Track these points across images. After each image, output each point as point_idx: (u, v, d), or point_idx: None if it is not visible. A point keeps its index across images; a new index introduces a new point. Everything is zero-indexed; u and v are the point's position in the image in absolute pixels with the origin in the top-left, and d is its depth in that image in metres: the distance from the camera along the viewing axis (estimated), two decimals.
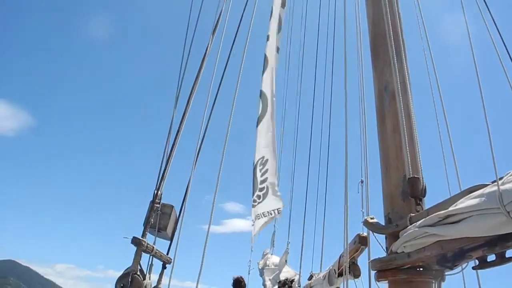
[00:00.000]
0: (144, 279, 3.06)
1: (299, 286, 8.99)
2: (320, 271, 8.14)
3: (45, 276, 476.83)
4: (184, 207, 3.43)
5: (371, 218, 3.78)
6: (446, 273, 3.28)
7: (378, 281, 3.53)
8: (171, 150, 3.45)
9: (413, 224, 3.13)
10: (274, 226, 11.78)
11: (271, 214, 8.58)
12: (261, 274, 11.72)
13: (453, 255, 2.88)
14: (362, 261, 4.94)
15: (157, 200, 3.35)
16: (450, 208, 2.72)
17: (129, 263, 3.34)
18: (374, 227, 3.73)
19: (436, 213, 2.79)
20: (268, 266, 11.67)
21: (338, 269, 5.54)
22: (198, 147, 3.45)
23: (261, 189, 7.39)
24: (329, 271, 6.15)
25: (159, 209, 3.38)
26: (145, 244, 3.12)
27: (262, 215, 8.23)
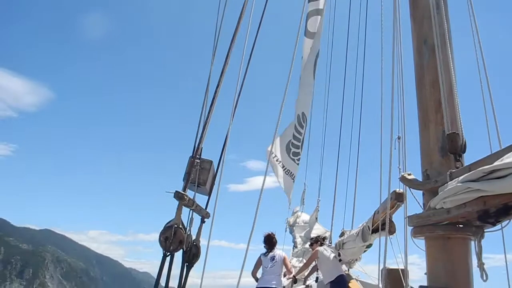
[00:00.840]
0: (185, 232, 3.12)
1: (331, 243, 9.03)
2: (352, 228, 8.25)
3: (80, 243, 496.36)
4: (222, 162, 3.42)
5: (408, 174, 3.70)
6: (486, 230, 3.19)
7: (414, 237, 3.50)
8: (210, 107, 3.42)
9: (454, 180, 3.04)
10: (305, 185, 12.02)
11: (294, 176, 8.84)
12: (291, 231, 11.76)
13: (496, 211, 2.75)
14: (397, 218, 4.89)
15: (197, 156, 3.36)
16: (496, 163, 2.61)
17: (160, 224, 3.38)
18: (411, 183, 3.65)
19: (480, 168, 2.68)
20: (298, 223, 11.70)
21: (372, 226, 5.58)
22: (234, 105, 3.44)
23: (296, 146, 7.69)
24: (363, 228, 6.19)
25: (198, 164, 3.37)
26: (187, 198, 3.15)
27: (292, 176, 8.48)
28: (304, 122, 8.35)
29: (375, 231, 5.58)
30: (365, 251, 7.38)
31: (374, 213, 5.49)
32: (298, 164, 9.01)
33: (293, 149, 8.68)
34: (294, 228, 11.69)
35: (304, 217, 11.76)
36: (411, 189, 3.70)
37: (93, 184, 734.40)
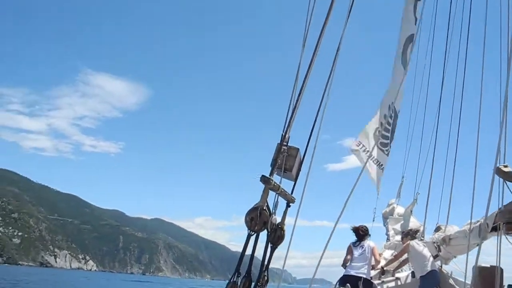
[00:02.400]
0: (270, 215, 3.22)
1: (423, 238, 8.78)
2: (447, 223, 8.27)
3: (188, 229, 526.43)
4: (314, 149, 3.49)
5: (505, 166, 3.63)
6: None
7: (508, 233, 3.51)
8: (298, 95, 3.44)
9: None
10: (403, 177, 11.96)
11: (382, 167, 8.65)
12: (385, 223, 11.73)
13: None
14: None
15: (284, 143, 3.43)
16: None
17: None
18: (507, 176, 3.57)
19: None
20: (393, 216, 11.62)
21: (493, 223, 5.32)
22: (324, 91, 3.42)
23: (387, 137, 7.59)
24: (480, 225, 5.96)
25: (286, 151, 3.44)
26: (272, 183, 3.19)
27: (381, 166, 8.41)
28: (392, 112, 8.24)
29: (494, 229, 5.32)
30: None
31: (498, 212, 5.12)
32: (387, 154, 8.99)
33: (381, 139, 8.65)
34: (388, 220, 11.60)
35: (400, 210, 11.61)
36: (506, 182, 3.63)
37: (195, 174, 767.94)
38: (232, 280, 2.89)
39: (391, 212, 11.76)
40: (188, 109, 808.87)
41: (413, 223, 9.99)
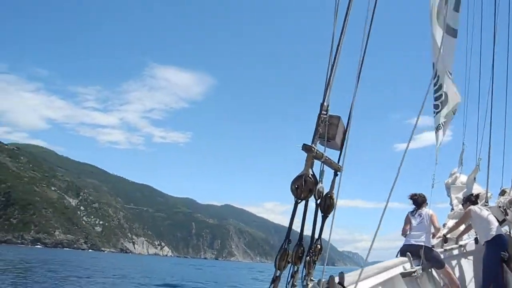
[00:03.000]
0: (317, 184, 3.13)
1: (487, 203, 8.46)
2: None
3: (258, 215, 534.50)
4: (351, 117, 3.33)
5: None
6: None
7: None
8: (333, 62, 3.31)
9: None
10: (463, 144, 11.39)
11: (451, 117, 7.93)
12: (448, 193, 11.52)
13: None
14: None
15: (323, 111, 3.34)
16: None
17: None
18: None
19: None
20: (456, 184, 11.39)
21: None
22: (360, 62, 3.31)
23: (437, 98, 6.88)
24: None
25: (326, 120, 3.34)
26: (315, 150, 3.10)
27: (442, 125, 7.68)
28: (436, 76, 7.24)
29: None
30: None
31: None
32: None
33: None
34: (451, 189, 11.32)
35: (462, 178, 11.16)
36: None
37: (263, 159, 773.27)
38: (283, 247, 2.83)
39: (454, 181, 11.49)
40: (253, 95, 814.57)
41: (477, 190, 9.56)
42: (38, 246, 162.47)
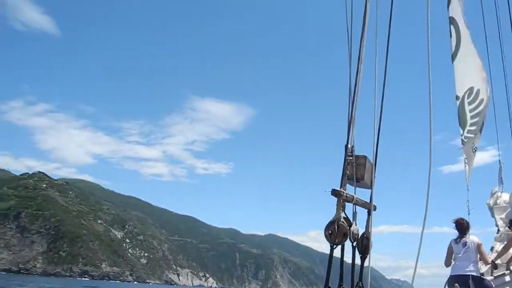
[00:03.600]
0: (350, 226, 3.24)
1: None
2: None
3: (302, 243, 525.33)
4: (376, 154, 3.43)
5: None
6: None
7: None
8: (352, 104, 3.43)
9: None
10: (500, 162, 11.23)
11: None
12: (492, 214, 11.11)
13: None
14: None
15: (349, 153, 3.47)
16: None
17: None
18: None
19: None
20: (498, 204, 10.94)
21: None
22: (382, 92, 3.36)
23: (472, 124, 6.33)
24: None
25: (353, 161, 3.49)
26: (344, 194, 3.23)
27: (473, 150, 7.18)
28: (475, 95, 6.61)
29: None
30: None
31: None
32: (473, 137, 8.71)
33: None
34: (494, 210, 10.90)
35: (505, 197, 10.84)
36: None
37: (306, 187, 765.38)
38: None
39: (496, 201, 11.03)
40: (293, 123, 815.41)
41: None
42: (86, 279, 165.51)
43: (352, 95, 3.44)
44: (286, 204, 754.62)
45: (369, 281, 2.85)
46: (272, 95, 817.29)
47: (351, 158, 3.46)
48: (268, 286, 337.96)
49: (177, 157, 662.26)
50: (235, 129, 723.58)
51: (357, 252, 3.52)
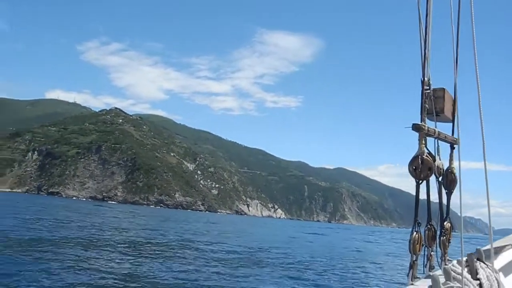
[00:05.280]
0: (434, 161, 3.06)
1: None
2: None
3: (371, 177, 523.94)
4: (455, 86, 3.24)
5: None
6: None
7: None
8: (425, 34, 3.13)
9: None
10: None
11: None
12: None
13: None
14: None
15: (426, 87, 3.20)
16: None
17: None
18: None
19: None
20: None
21: None
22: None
23: None
24: None
25: (431, 94, 3.23)
26: (426, 128, 3.00)
27: None
28: None
29: None
30: None
31: None
32: None
33: None
34: None
35: None
36: None
37: (375, 121, 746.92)
38: (414, 230, 2.80)
39: None
40: (363, 55, 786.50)
41: None
42: (161, 207, 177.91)
43: (425, 24, 3.24)
44: (355, 138, 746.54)
45: (462, 217, 2.59)
46: (342, 25, 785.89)
47: (429, 91, 3.26)
48: (336, 218, 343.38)
49: (246, 91, 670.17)
50: (305, 61, 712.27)
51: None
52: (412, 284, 2.71)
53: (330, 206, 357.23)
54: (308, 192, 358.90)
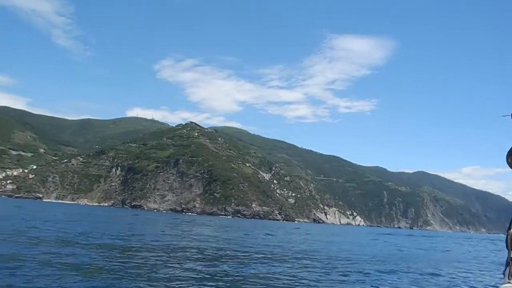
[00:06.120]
0: None
1: None
2: None
3: (454, 181, 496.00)
4: None
5: None
6: None
7: None
8: None
9: None
10: None
11: None
12: None
13: None
14: None
15: None
16: None
17: None
18: None
19: None
20: None
21: None
22: None
23: None
24: None
25: None
26: None
27: None
28: None
29: None
30: None
31: None
32: None
33: None
34: None
35: None
36: None
37: (455, 121, 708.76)
38: (511, 226, 2.50)
39: None
40: (439, 55, 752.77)
41: None
42: (239, 217, 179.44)
43: None
44: (436, 140, 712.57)
45: None
46: (417, 24, 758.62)
47: None
48: (419, 224, 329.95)
49: (318, 97, 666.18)
50: (377, 64, 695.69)
51: None
52: (509, 282, 2.53)
53: (411, 211, 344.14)
54: (387, 197, 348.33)
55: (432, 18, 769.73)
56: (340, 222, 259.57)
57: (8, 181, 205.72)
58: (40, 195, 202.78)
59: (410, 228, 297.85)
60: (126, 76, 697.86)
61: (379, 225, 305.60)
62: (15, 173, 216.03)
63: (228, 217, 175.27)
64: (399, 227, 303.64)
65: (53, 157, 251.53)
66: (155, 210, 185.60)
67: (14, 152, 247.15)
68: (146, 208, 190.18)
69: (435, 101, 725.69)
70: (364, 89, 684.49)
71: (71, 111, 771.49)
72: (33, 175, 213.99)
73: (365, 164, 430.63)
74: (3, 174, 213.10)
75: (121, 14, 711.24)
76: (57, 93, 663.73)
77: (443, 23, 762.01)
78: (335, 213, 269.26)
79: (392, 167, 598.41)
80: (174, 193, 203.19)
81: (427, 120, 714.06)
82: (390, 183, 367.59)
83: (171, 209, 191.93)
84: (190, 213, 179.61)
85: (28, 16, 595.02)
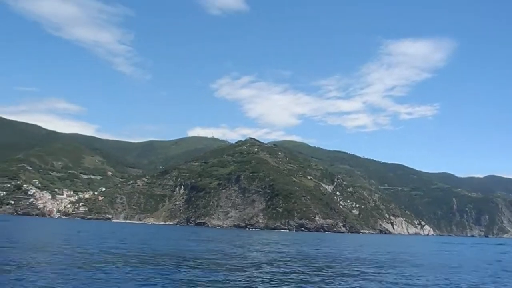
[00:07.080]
0: None
1: None
2: None
3: None
4: None
5: None
6: None
7: None
8: None
9: None
10: None
11: None
12: None
13: None
14: None
15: None
16: None
17: None
18: None
19: None
20: None
21: None
22: None
23: None
24: None
25: None
26: None
27: None
28: None
29: None
30: None
31: None
32: None
33: None
34: None
35: None
36: None
37: None
38: None
39: None
40: (502, 49, 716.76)
41: None
42: (302, 231, 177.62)
43: None
44: (507, 141, 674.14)
45: None
46: (474, 20, 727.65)
47: None
48: (494, 232, 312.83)
49: (377, 105, 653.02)
50: (437, 66, 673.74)
51: None
52: None
53: (485, 218, 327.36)
54: (457, 205, 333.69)
55: (491, 12, 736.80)
56: (408, 232, 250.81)
57: (81, 204, 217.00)
58: (110, 216, 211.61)
59: (485, 236, 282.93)
60: (185, 97, 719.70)
61: (450, 234, 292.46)
62: (86, 196, 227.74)
63: (293, 231, 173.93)
64: (472, 235, 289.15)
65: (120, 179, 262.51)
66: (218, 227, 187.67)
67: (85, 176, 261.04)
68: (210, 225, 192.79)
69: (502, 99, 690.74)
70: (425, 94, 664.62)
71: (135, 134, 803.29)
72: (103, 197, 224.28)
73: (431, 171, 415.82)
74: (76, 197, 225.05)
75: (177, 37, 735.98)
76: (121, 118, 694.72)
77: (504, 17, 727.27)
78: (402, 223, 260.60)
79: (460, 173, 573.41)
80: (237, 209, 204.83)
81: (495, 120, 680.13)
82: (459, 189, 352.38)
83: (234, 225, 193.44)
84: (253, 229, 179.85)
85: (91, 47, 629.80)
